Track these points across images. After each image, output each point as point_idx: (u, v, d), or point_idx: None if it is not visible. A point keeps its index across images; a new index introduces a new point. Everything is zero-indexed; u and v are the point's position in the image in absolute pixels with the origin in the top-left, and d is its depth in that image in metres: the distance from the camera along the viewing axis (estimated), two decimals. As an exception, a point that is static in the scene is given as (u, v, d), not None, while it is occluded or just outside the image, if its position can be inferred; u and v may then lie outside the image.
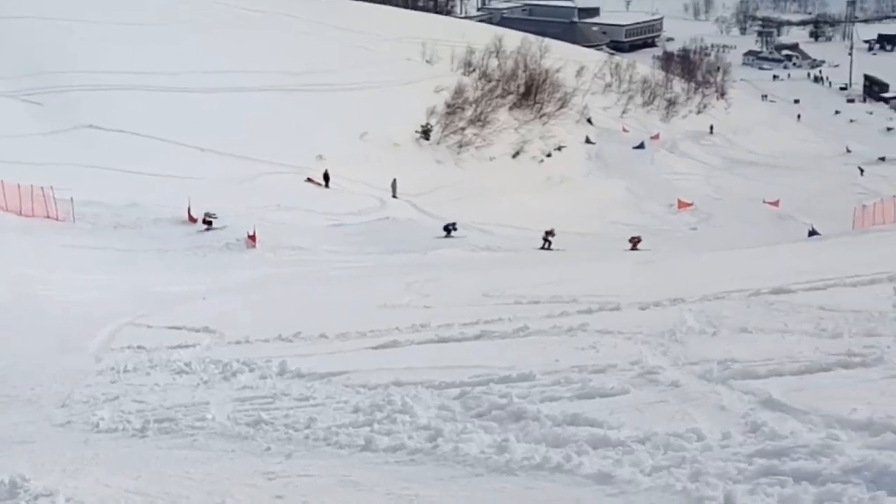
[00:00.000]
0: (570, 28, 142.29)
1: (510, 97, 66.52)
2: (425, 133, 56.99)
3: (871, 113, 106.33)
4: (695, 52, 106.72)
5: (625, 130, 73.02)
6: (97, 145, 43.11)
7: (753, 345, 9.39)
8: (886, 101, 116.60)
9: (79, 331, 15.60)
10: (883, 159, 71.56)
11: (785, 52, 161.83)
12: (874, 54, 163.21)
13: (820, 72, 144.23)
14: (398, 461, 6.93)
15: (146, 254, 31.45)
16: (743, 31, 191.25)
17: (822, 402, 7.02)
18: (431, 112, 58.08)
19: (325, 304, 18.72)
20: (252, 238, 33.23)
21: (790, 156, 73.25)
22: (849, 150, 77.37)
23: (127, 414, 9.42)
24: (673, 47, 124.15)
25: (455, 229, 38.02)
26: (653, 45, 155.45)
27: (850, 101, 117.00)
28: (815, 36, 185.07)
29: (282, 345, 12.92)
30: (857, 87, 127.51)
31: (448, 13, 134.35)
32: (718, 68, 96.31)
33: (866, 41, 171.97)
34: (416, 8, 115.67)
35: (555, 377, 8.74)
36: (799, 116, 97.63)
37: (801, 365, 8.21)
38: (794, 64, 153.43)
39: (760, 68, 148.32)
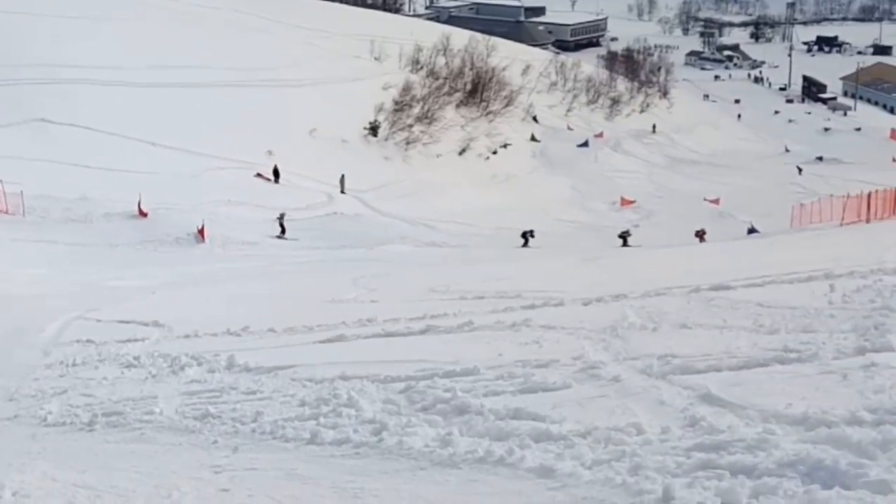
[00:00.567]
0: (517, 27, 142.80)
1: (457, 95, 66.64)
2: (373, 130, 56.95)
3: (809, 113, 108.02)
4: (638, 52, 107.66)
5: (569, 129, 73.47)
6: (48, 139, 42.47)
7: (693, 340, 9.54)
8: (824, 101, 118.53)
9: (27, 325, 15.40)
10: (820, 159, 72.75)
11: (726, 52, 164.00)
12: (813, 56, 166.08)
13: (760, 72, 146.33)
14: (343, 454, 6.96)
15: (96, 248, 31.21)
16: (685, 31, 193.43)
17: (758, 397, 7.15)
18: (379, 109, 58.05)
19: (273, 299, 18.67)
20: (201, 233, 33.04)
21: (730, 155, 74.23)
22: (787, 150, 78.54)
23: (75, 408, 9.35)
24: (617, 47, 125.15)
25: (533, 237, 37.44)
26: (597, 44, 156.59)
27: (789, 101, 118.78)
28: (755, 37, 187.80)
29: (230, 339, 12.88)
30: (796, 87, 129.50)
31: (396, 11, 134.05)
32: (661, 68, 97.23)
33: (805, 43, 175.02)
34: (364, 5, 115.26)
35: (498, 372, 8.81)
36: (739, 116, 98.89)
37: (739, 360, 8.35)
38: (735, 65, 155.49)
39: (702, 68, 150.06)
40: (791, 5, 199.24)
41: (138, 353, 12.06)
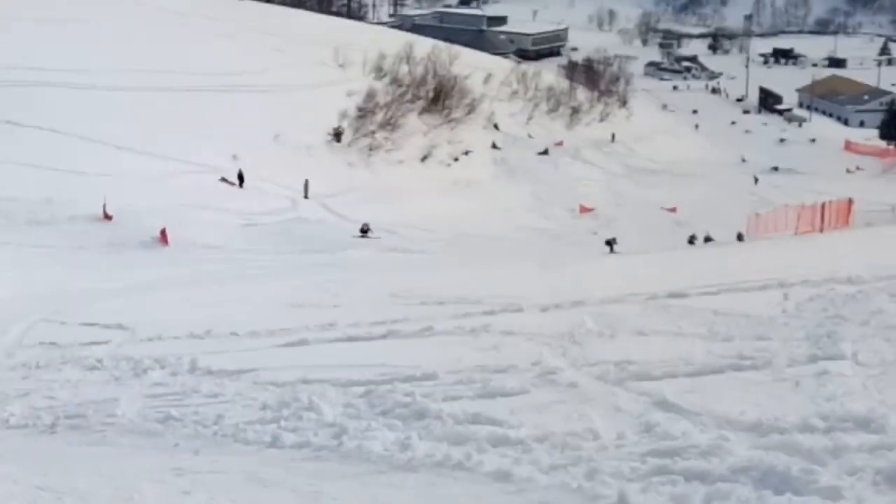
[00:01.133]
0: (479, 36, 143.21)
1: (420, 102, 66.61)
2: (337, 136, 56.81)
3: (765, 124, 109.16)
4: (598, 62, 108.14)
5: (530, 137, 73.68)
6: (13, 141, 41.81)
7: (649, 347, 9.65)
8: (780, 113, 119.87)
9: (-9, 327, 15.23)
10: (776, 169, 73.55)
11: (685, 63, 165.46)
12: (769, 68, 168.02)
13: (718, 83, 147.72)
14: (304, 458, 6.98)
15: (61, 250, 30.86)
16: (645, 42, 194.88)
17: (713, 403, 7.26)
18: (343, 115, 57.92)
19: (236, 303, 18.59)
20: (163, 235, 32.83)
21: (688, 164, 74.80)
22: (744, 160, 79.28)
23: (37, 410, 9.31)
24: (577, 57, 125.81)
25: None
26: (558, 54, 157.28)
27: (746, 112, 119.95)
28: (713, 49, 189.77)
29: (193, 342, 12.86)
30: (753, 99, 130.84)
31: (361, 19, 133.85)
32: (621, 78, 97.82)
33: (762, 55, 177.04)
34: (329, 13, 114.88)
35: (457, 377, 8.87)
36: (697, 126, 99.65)
37: (695, 367, 8.47)
38: (694, 75, 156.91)
39: (661, 79, 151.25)
40: (748, 18, 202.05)
41: (102, 356, 12.01)
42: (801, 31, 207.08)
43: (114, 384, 10.35)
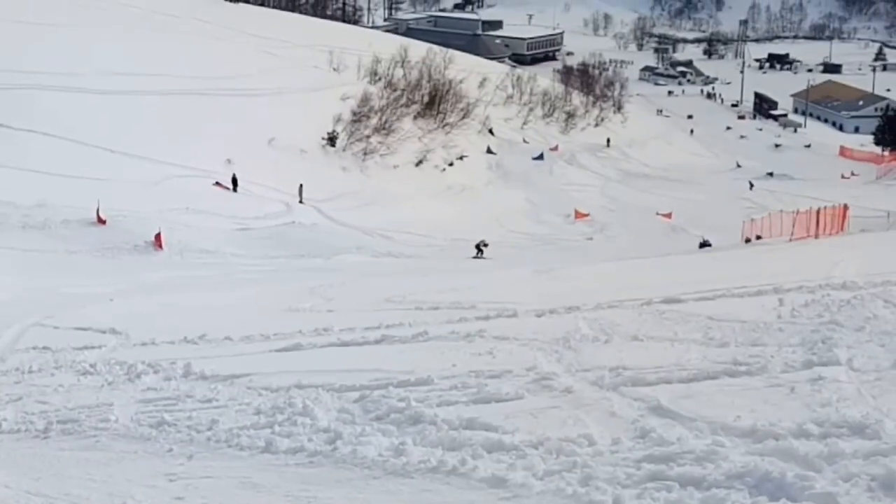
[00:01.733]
0: (474, 40, 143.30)
1: (414, 107, 66.70)
2: (331, 140, 56.85)
3: (760, 129, 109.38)
4: (594, 67, 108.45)
5: (525, 141, 73.79)
6: (7, 144, 41.81)
7: (644, 353, 9.65)
8: (775, 118, 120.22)
9: (-16, 331, 15.19)
10: (771, 174, 73.66)
11: (680, 68, 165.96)
12: (764, 73, 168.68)
13: (713, 88, 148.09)
14: (298, 463, 6.96)
15: (54, 254, 30.87)
16: (640, 47, 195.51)
17: (708, 409, 7.26)
18: (338, 119, 57.97)
19: (230, 307, 18.60)
20: (157, 240, 32.82)
21: (683, 169, 74.95)
22: (739, 165, 79.43)
23: (30, 415, 9.27)
24: (573, 61, 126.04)
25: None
26: (553, 58, 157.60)
27: (741, 117, 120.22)
28: (708, 54, 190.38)
29: (187, 347, 12.85)
30: (748, 104, 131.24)
31: (355, 23, 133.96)
32: (616, 83, 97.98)
33: (757, 60, 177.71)
34: (324, 16, 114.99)
35: (452, 382, 8.86)
36: (692, 131, 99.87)
37: (690, 373, 8.47)
38: (689, 80, 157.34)
39: (656, 84, 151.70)
40: (744, 23, 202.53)
41: (95, 361, 11.97)
42: (796, 37, 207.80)
43: (107, 389, 10.31)
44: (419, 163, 60.92)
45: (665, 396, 7.62)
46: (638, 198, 61.66)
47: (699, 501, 5.51)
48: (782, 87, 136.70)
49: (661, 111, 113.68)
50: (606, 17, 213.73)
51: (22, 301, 20.09)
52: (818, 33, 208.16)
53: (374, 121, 60.56)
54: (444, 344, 11.23)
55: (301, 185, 46.54)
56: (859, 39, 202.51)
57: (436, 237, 42.63)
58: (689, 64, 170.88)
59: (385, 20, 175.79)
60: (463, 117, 68.13)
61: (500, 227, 48.60)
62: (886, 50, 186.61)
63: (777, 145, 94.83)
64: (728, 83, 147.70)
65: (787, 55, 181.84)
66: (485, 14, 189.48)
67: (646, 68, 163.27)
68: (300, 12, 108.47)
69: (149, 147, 45.17)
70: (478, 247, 37.00)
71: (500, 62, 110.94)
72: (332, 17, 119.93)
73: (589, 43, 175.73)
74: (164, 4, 69.37)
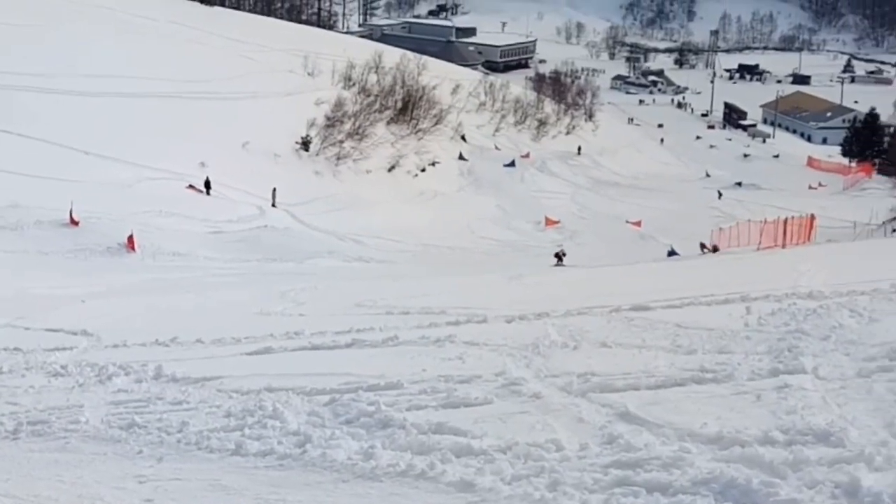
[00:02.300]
0: (448, 47, 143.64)
1: (388, 112, 66.67)
2: (305, 144, 56.73)
3: (729, 139, 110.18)
4: (566, 75, 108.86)
5: (497, 148, 73.92)
6: (-21, 145, 41.47)
7: (612, 359, 9.70)
8: (744, 128, 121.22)
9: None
10: (740, 184, 74.19)
11: (651, 77, 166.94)
12: (734, 83, 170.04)
13: (683, 98, 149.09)
14: (267, 466, 6.97)
15: (27, 255, 30.59)
16: (612, 56, 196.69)
17: (675, 415, 7.31)
18: (311, 124, 57.83)
19: (202, 310, 18.52)
20: (130, 241, 32.62)
21: (653, 178, 75.37)
22: (708, 175, 79.93)
23: (0, 416, 9.15)
24: (545, 69, 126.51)
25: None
26: (526, 66, 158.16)
27: (711, 127, 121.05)
28: (679, 63, 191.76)
29: (158, 349, 12.79)
30: (718, 114, 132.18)
31: (330, 28, 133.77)
32: (588, 91, 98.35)
33: (727, 70, 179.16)
34: (299, 21, 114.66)
35: (422, 386, 8.88)
36: (662, 140, 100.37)
37: (657, 380, 8.52)
38: (660, 90, 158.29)
39: (627, 92, 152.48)
40: (715, 33, 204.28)
41: (66, 362, 11.89)
42: (766, 48, 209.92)
43: (78, 390, 10.24)
44: (392, 168, 60.91)
45: (633, 403, 7.67)
46: (608, 206, 61.94)
47: (665, 507, 5.57)
48: (752, 98, 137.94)
49: (632, 120, 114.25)
50: (579, 26, 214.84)
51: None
52: (788, 45, 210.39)
53: (347, 126, 60.49)
54: (415, 349, 11.24)
55: (274, 189, 46.41)
56: (828, 51, 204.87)
57: (407, 242, 42.63)
58: (660, 73, 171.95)
59: (360, 26, 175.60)
60: (436, 123, 68.20)
61: (471, 233, 48.70)
62: (855, 62, 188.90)
63: (746, 155, 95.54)
64: (699, 93, 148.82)
65: (756, 66, 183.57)
66: (459, 21, 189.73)
67: (617, 77, 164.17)
68: (276, 17, 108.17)
69: (123, 149, 44.89)
70: (557, 255, 36.63)
71: (473, 69, 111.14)
72: (308, 22, 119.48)
73: (561, 51, 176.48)
74: (141, 7, 68.96)
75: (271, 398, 8.87)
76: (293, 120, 56.75)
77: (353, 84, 67.13)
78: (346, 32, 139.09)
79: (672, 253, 37.41)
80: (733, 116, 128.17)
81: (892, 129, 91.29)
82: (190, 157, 47.05)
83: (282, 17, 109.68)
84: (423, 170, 62.72)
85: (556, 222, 54.43)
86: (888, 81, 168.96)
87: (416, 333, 12.33)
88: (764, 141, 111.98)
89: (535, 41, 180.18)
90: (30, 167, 39.59)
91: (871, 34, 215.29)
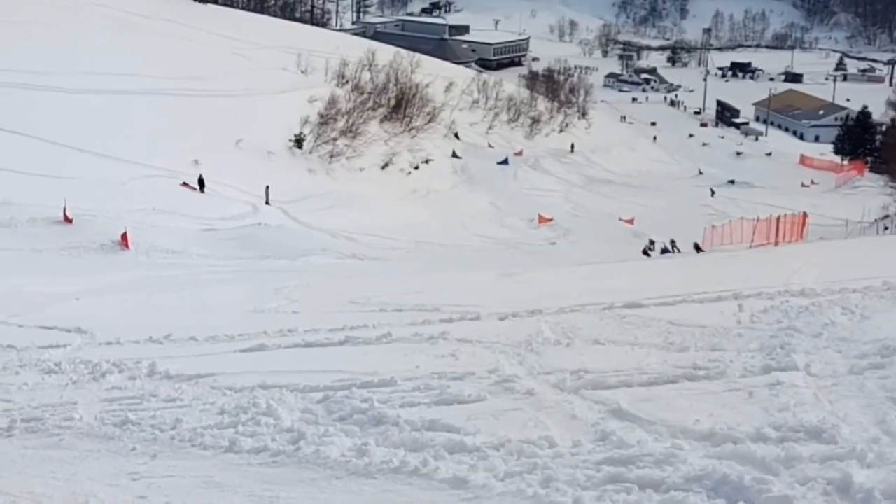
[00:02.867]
0: (441, 44, 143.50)
1: (381, 110, 66.68)
2: (298, 142, 56.71)
3: (722, 137, 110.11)
4: (559, 73, 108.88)
5: (490, 146, 73.95)
6: (-27, 142, 41.41)
7: (605, 356, 9.72)
8: (737, 126, 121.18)
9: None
10: (732, 182, 74.28)
11: (644, 75, 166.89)
12: (727, 81, 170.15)
13: (676, 96, 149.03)
14: (261, 463, 6.98)
15: (20, 253, 30.58)
16: (605, 54, 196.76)
17: (667, 412, 7.34)
18: (305, 122, 57.80)
19: (195, 308, 18.49)
20: (124, 239, 32.58)
21: (646, 176, 75.44)
22: (701, 172, 79.96)
23: (-7, 413, 9.16)
24: (538, 67, 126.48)
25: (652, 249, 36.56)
26: (519, 63, 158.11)
27: (704, 125, 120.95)
28: (672, 61, 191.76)
29: (152, 346, 12.78)
30: (711, 112, 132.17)
31: (324, 25, 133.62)
32: (581, 89, 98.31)
33: (720, 68, 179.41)
34: (292, 19, 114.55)
35: (415, 383, 8.89)
36: (655, 138, 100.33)
37: (650, 377, 8.55)
38: (653, 87, 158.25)
39: (620, 90, 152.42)
40: (707, 31, 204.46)
41: (59, 360, 11.89)
42: (758, 46, 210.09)
43: (71, 388, 10.23)
44: (385, 166, 60.91)
45: (625, 400, 7.69)
46: (601, 203, 62.00)
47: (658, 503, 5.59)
48: (744, 96, 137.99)
49: (624, 118, 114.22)
50: (572, 24, 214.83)
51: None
52: (780, 43, 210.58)
53: (340, 123, 60.47)
54: (408, 346, 11.25)
55: (267, 187, 46.38)
56: (821, 49, 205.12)
57: (401, 240, 42.60)
58: (653, 71, 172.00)
59: (353, 23, 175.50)
60: (429, 121, 68.20)
61: (465, 230, 48.68)
62: (847, 60, 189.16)
63: (738, 153, 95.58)
64: (691, 91, 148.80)
65: (749, 64, 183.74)
66: (452, 19, 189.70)
67: (610, 75, 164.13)
68: (269, 14, 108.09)
69: (117, 147, 44.87)
70: (646, 252, 36.47)
71: (466, 67, 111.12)
72: (301, 20, 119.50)
73: (554, 49, 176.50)
74: (134, 5, 68.86)
75: (265, 395, 8.88)
76: (286, 117, 56.72)
77: (347, 82, 67.11)
78: (340, 30, 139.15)
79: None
80: (726, 114, 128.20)
81: (883, 127, 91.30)
82: (183, 154, 47.02)
83: (275, 15, 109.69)
84: (417, 167, 62.73)
85: (550, 220, 54.46)
86: (880, 79, 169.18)
87: (410, 330, 12.33)
88: (756, 139, 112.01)
89: (528, 39, 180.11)
90: (23, 164, 39.54)
91: (864, 32, 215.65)
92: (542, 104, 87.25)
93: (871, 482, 5.53)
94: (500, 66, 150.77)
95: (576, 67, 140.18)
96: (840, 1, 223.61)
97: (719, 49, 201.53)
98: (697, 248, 36.35)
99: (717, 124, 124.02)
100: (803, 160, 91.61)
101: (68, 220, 34.40)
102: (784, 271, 16.55)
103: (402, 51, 77.74)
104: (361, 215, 47.39)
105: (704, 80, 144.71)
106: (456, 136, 72.02)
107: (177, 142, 47.90)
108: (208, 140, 49.61)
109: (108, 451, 7.64)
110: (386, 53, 73.72)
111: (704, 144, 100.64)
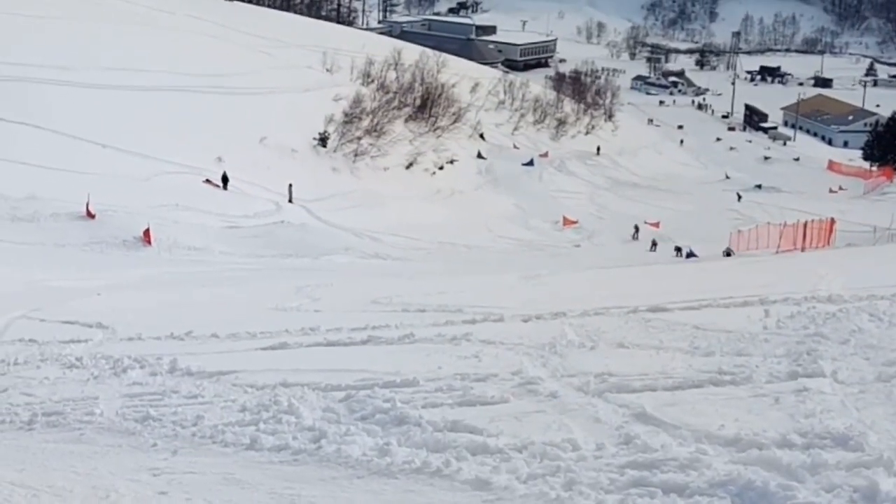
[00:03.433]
0: (467, 44, 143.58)
1: (406, 109, 66.79)
2: (323, 140, 56.89)
3: (750, 141, 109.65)
4: (586, 75, 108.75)
5: (515, 147, 73.91)
6: (-2, 136, 41.85)
7: (629, 360, 9.66)
8: (765, 130, 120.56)
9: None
10: (759, 187, 73.94)
11: (672, 78, 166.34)
12: (755, 85, 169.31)
13: (704, 99, 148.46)
14: (282, 461, 6.97)
15: (43, 247, 30.87)
16: (632, 56, 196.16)
17: (692, 417, 7.27)
18: (329, 120, 57.99)
19: (217, 305, 18.56)
20: (146, 235, 32.80)
21: (672, 179, 75.21)
22: (728, 177, 79.69)
23: (15, 406, 9.21)
24: (565, 68, 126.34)
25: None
26: (546, 65, 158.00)
27: (731, 129, 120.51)
28: (700, 64, 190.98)
29: (173, 343, 12.81)
30: (738, 116, 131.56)
31: (350, 24, 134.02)
32: (608, 91, 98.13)
33: (749, 72, 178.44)
34: (318, 17, 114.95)
35: (437, 384, 8.86)
36: (682, 142, 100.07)
37: (674, 381, 8.48)
38: (680, 91, 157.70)
39: (648, 93, 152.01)
40: (736, 35, 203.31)
41: (81, 354, 11.92)
42: (788, 50, 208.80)
43: (93, 382, 10.27)
44: (409, 165, 60.99)
45: (650, 404, 7.63)
46: (626, 206, 61.82)
47: (682, 508, 5.55)
48: (773, 100, 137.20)
49: (651, 121, 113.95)
50: (600, 26, 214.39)
51: (9, 294, 19.96)
52: (810, 47, 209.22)
53: (365, 122, 60.61)
54: (431, 346, 11.22)
55: (290, 185, 46.54)
56: (851, 54, 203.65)
57: (424, 240, 42.65)
58: (680, 74, 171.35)
59: (379, 22, 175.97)
60: (454, 121, 68.26)
61: (489, 231, 48.69)
62: (877, 65, 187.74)
63: (766, 158, 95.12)
64: (719, 94, 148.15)
65: (778, 68, 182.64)
66: (479, 19, 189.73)
67: (638, 77, 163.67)
68: (295, 12, 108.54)
69: (140, 142, 45.18)
70: (727, 252, 36.40)
71: (492, 67, 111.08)
72: (327, 18, 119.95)
73: (582, 51, 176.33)
74: (160, 1, 69.30)
75: (286, 393, 8.87)
76: (311, 116, 56.91)
77: (372, 81, 67.25)
78: (366, 29, 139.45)
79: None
80: (754, 118, 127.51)
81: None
82: (207, 151, 47.28)
83: (301, 13, 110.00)
84: (441, 167, 62.79)
85: (574, 222, 54.38)
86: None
87: (433, 331, 12.31)
88: (784, 144, 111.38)
89: (555, 40, 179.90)
90: (47, 159, 39.93)
91: (895, 37, 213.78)
92: (569, 106, 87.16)
93: (899, 491, 5.46)
94: (526, 66, 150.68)
95: (603, 69, 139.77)
96: (871, 6, 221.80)
97: (748, 53, 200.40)
98: (728, 254, 36.12)
99: (744, 128, 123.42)
100: (831, 166, 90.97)
101: (91, 216, 34.67)
102: (811, 277, 16.39)
103: (429, 50, 77.90)
104: (385, 215, 47.49)
105: (733, 83, 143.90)
106: (481, 136, 72.02)
107: (201, 139, 48.17)
108: (232, 137, 49.86)
109: (128, 447, 7.66)
110: (412, 53, 73.85)
111: (732, 149, 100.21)
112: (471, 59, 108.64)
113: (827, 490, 5.57)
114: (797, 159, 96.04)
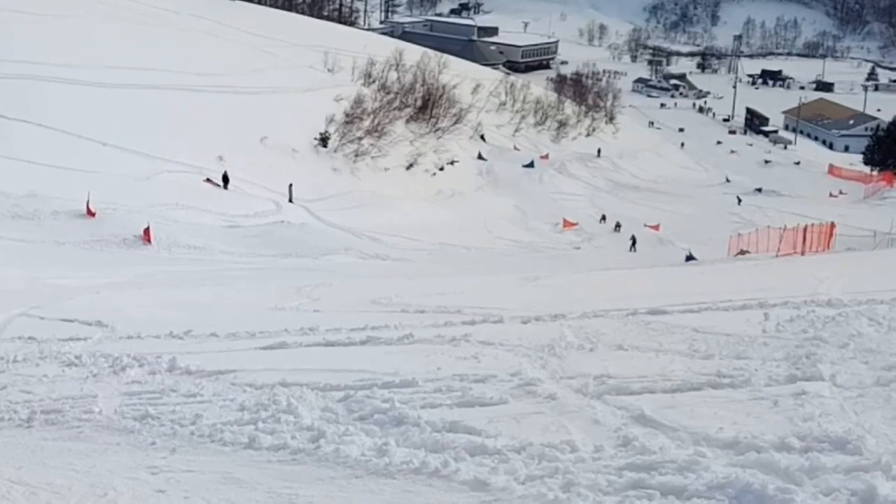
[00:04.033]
0: (469, 45, 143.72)
1: (407, 110, 66.77)
2: (323, 141, 56.87)
3: (751, 145, 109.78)
4: (587, 77, 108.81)
5: (516, 149, 73.90)
6: (-1, 134, 41.87)
7: (629, 362, 9.67)
8: (766, 134, 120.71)
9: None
10: (760, 190, 73.96)
11: (673, 81, 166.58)
12: (757, 88, 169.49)
13: (705, 102, 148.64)
14: (280, 460, 6.98)
15: (43, 245, 30.89)
16: (634, 58, 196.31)
17: (691, 419, 7.28)
18: (330, 120, 57.95)
19: (216, 304, 18.55)
20: (146, 234, 32.82)
21: (672, 182, 75.22)
22: (728, 180, 79.72)
23: (14, 404, 9.21)
24: (567, 70, 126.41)
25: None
26: (547, 66, 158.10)
27: (732, 132, 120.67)
28: (702, 67, 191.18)
29: (173, 341, 12.80)
30: (739, 119, 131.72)
31: (351, 24, 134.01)
32: (609, 93, 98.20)
33: (750, 75, 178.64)
34: (320, 17, 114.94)
35: (436, 385, 8.86)
36: (683, 144, 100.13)
37: (673, 383, 8.49)
38: (681, 93, 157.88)
39: (649, 96, 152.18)
40: (738, 38, 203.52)
41: (80, 352, 11.91)
42: (789, 54, 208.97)
43: (91, 381, 10.26)
44: (410, 166, 60.98)
45: (648, 406, 7.64)
46: (627, 209, 61.79)
47: (680, 511, 5.55)
48: (774, 104, 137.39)
49: (652, 123, 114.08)
50: (602, 28, 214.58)
51: (8, 291, 19.95)
52: (812, 51, 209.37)
53: (366, 123, 60.58)
54: (430, 347, 11.23)
55: (291, 185, 46.53)
56: (852, 59, 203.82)
57: (424, 241, 42.63)
58: (682, 77, 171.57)
59: (381, 23, 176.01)
60: (455, 122, 68.24)
61: (488, 233, 48.67)
62: (879, 70, 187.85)
63: (767, 161, 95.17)
64: (720, 98, 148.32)
65: (779, 72, 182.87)
66: (481, 20, 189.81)
67: (639, 80, 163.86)
68: (297, 12, 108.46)
69: (141, 141, 45.15)
70: (742, 251, 36.31)
71: (494, 68, 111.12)
72: (329, 18, 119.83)
73: (583, 52, 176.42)
74: (163, 0, 69.28)
75: (285, 393, 8.88)
76: (312, 116, 56.88)
77: (373, 81, 67.23)
78: (368, 29, 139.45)
79: (690, 258, 37.25)
80: (755, 122, 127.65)
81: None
82: (208, 150, 47.26)
83: (303, 13, 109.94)
84: (442, 168, 62.77)
85: (574, 224, 54.36)
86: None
87: (432, 332, 12.32)
88: (785, 147, 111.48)
89: (557, 42, 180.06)
90: (48, 157, 39.94)
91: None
92: (570, 108, 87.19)
93: (897, 495, 5.47)
94: (528, 68, 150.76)
95: (604, 72, 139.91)
96: (873, 10, 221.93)
97: (750, 56, 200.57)
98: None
99: (745, 132, 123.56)
100: (832, 170, 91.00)
101: (91, 214, 34.68)
102: (811, 281, 16.40)
103: (430, 51, 77.89)
104: (385, 215, 47.46)
105: (734, 87, 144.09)
106: (482, 137, 72.01)
107: (201, 138, 48.15)
108: (233, 137, 49.84)
109: (127, 445, 7.67)
110: (413, 53, 73.84)
111: (732, 152, 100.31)
112: (472, 60, 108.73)
113: (825, 493, 5.57)
114: (798, 163, 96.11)
